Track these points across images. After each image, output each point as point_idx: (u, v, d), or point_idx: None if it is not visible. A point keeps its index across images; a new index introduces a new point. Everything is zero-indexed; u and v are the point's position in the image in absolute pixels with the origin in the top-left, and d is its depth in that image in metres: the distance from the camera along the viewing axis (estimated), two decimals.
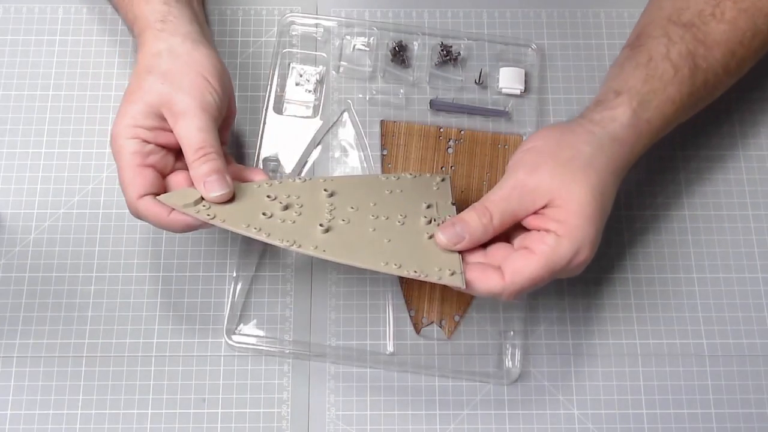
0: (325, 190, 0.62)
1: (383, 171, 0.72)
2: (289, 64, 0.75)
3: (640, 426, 0.66)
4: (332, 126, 0.74)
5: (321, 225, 0.60)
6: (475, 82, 0.75)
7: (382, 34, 0.76)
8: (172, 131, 0.61)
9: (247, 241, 0.70)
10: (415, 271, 0.58)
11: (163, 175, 0.62)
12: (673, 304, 0.69)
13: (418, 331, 0.68)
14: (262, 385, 0.66)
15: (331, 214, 0.61)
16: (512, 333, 0.68)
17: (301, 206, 0.61)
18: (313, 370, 0.67)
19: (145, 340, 0.67)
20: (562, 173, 0.59)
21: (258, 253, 0.70)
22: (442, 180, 0.66)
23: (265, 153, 0.72)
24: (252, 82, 0.75)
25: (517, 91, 0.75)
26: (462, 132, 0.74)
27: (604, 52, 0.77)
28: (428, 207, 0.63)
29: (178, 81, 0.61)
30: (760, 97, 0.76)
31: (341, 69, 0.76)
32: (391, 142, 0.73)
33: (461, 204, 0.71)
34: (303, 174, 0.72)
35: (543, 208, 0.59)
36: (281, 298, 0.69)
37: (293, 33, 0.76)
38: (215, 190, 0.60)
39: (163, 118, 0.61)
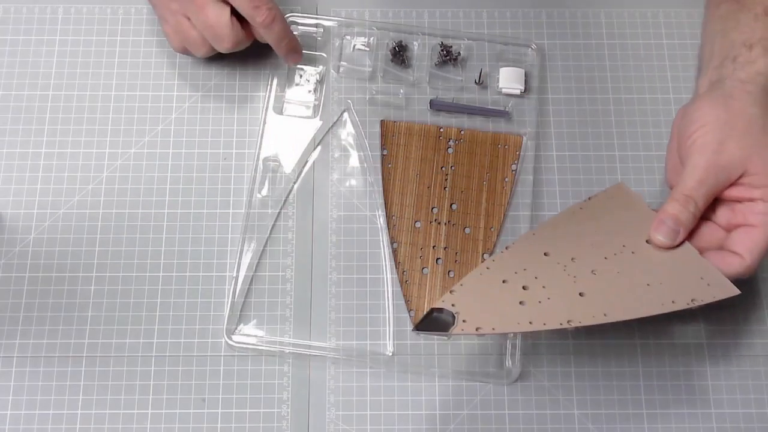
0: (545, 254, 0.62)
1: (383, 171, 0.72)
2: None
3: (640, 426, 0.66)
4: (332, 126, 0.74)
5: (581, 294, 0.59)
6: (475, 82, 0.75)
7: (382, 34, 0.76)
8: None
9: (247, 241, 0.70)
10: (692, 301, 0.59)
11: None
12: None
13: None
14: (262, 385, 0.66)
15: (570, 274, 0.61)
16: (512, 333, 0.68)
17: (536, 278, 0.60)
18: (313, 370, 0.67)
19: (145, 340, 0.67)
20: (749, 142, 0.61)
21: (258, 253, 0.70)
22: (618, 188, 0.67)
23: (265, 153, 0.72)
24: (252, 82, 0.75)
25: (517, 91, 0.75)
26: (462, 132, 0.74)
27: (604, 52, 0.77)
28: (629, 222, 0.64)
29: None
30: None
31: (341, 69, 0.76)
32: (391, 142, 0.73)
33: (461, 204, 0.71)
34: (303, 174, 0.72)
35: (739, 178, 0.61)
36: (281, 298, 0.69)
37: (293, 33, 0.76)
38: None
39: None
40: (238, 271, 0.69)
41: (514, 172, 0.72)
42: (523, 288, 0.60)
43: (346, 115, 0.74)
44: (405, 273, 0.69)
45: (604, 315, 0.58)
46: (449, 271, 0.69)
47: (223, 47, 0.70)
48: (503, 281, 0.60)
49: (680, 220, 0.61)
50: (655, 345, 0.68)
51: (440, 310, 0.58)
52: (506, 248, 0.62)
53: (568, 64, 0.77)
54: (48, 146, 0.73)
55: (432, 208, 0.71)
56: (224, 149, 0.73)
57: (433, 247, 0.70)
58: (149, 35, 0.77)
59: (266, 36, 0.70)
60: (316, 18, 0.77)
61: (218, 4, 0.67)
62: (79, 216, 0.71)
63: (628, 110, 0.75)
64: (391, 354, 0.67)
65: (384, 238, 0.70)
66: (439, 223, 0.71)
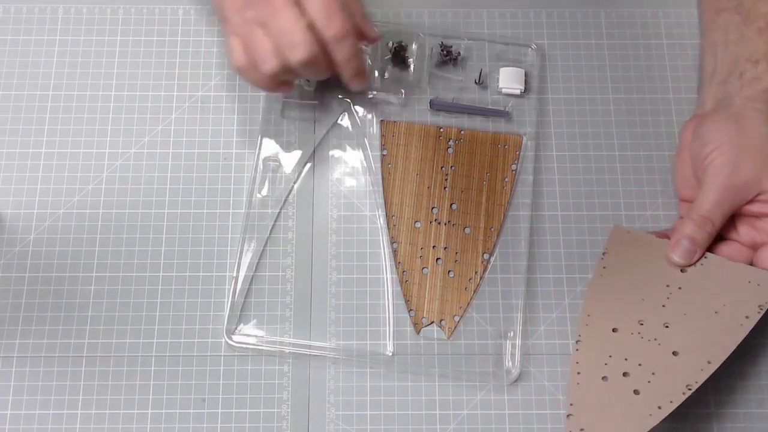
0: (614, 330, 0.62)
1: (383, 171, 0.72)
2: None
3: None
4: (332, 126, 0.74)
5: (675, 353, 0.60)
6: (475, 82, 0.75)
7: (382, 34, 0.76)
8: None
9: (247, 241, 0.70)
10: (759, 308, 0.60)
11: None
12: None
13: (418, 331, 0.68)
14: (262, 385, 0.66)
15: (649, 338, 0.61)
16: (512, 333, 0.68)
17: (626, 359, 0.60)
18: (313, 370, 0.67)
19: (145, 340, 0.67)
20: (763, 162, 0.62)
21: (258, 253, 0.70)
22: (617, 233, 0.67)
23: (265, 153, 0.72)
24: None
25: (517, 91, 0.75)
26: (462, 132, 0.74)
27: (604, 52, 0.77)
28: (653, 261, 0.65)
29: None
30: None
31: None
32: (391, 142, 0.73)
33: (461, 204, 0.71)
34: (303, 174, 0.72)
35: (756, 196, 0.63)
36: (281, 298, 0.69)
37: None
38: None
39: None
40: (238, 271, 0.69)
41: (514, 172, 0.72)
42: (624, 375, 0.60)
43: (346, 115, 0.74)
44: (405, 273, 0.69)
45: (708, 363, 0.59)
46: (449, 271, 0.69)
47: (297, 56, 0.62)
48: (603, 378, 0.60)
49: (696, 241, 0.64)
50: None
51: None
52: (577, 342, 0.62)
53: (568, 64, 0.77)
54: (48, 146, 0.73)
55: (432, 208, 0.71)
56: (224, 149, 0.73)
57: (433, 247, 0.70)
58: (149, 35, 0.77)
59: (335, 52, 0.64)
60: None
61: (295, 10, 0.62)
62: (79, 216, 0.71)
63: (628, 110, 0.75)
64: (391, 354, 0.67)
65: (384, 238, 0.70)
66: (439, 223, 0.71)
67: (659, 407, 0.57)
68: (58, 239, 0.70)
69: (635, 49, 0.77)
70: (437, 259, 0.70)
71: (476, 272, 0.69)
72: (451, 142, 0.73)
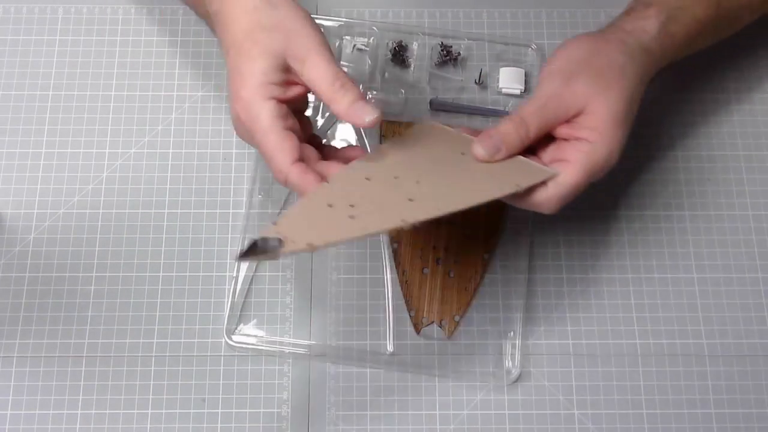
0: (367, 178, 0.58)
1: None
2: None
3: (640, 426, 0.66)
4: (332, 126, 0.74)
5: (410, 200, 0.56)
6: (475, 82, 0.75)
7: (382, 34, 0.76)
8: (299, 82, 0.58)
9: (247, 241, 0.69)
10: (517, 185, 0.58)
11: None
12: (673, 304, 0.69)
13: (418, 331, 0.68)
14: (262, 385, 0.66)
15: (395, 188, 0.58)
16: (512, 333, 0.68)
17: (362, 196, 0.57)
18: (313, 370, 0.67)
19: (145, 340, 0.67)
20: (597, 82, 0.60)
21: None
22: (421, 126, 0.65)
23: None
24: None
25: (517, 91, 0.75)
26: None
27: None
28: (445, 147, 0.63)
29: (289, 27, 0.58)
30: (761, 98, 0.76)
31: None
32: None
33: None
34: None
35: (575, 116, 0.60)
36: (281, 298, 0.69)
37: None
38: (368, 114, 0.57)
39: (288, 70, 0.58)
40: (238, 271, 0.69)
41: None
42: (351, 206, 0.55)
43: None
44: (405, 273, 0.69)
45: (437, 209, 0.56)
46: (449, 272, 0.69)
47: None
48: (329, 205, 0.55)
49: (507, 140, 0.60)
50: (655, 345, 0.68)
51: (264, 239, 0.52)
52: (326, 181, 0.57)
53: None
54: (48, 146, 0.73)
55: None
56: (224, 149, 0.73)
57: (434, 247, 0.70)
58: (149, 35, 0.77)
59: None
60: (316, 18, 0.77)
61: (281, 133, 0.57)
62: (79, 216, 0.71)
63: None
64: (391, 354, 0.67)
65: (384, 239, 0.70)
66: (440, 223, 0.71)
67: (362, 228, 0.54)
68: (58, 239, 0.70)
69: None
70: (437, 259, 0.70)
71: (476, 272, 0.69)
72: None
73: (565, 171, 0.59)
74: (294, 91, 0.58)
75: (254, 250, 0.51)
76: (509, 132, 0.60)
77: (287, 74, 0.58)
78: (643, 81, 0.62)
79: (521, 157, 0.61)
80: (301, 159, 0.57)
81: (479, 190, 0.58)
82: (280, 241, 0.52)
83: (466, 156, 0.61)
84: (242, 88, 0.57)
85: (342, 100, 0.57)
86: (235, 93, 0.57)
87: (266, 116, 0.56)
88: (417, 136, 0.64)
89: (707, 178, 0.73)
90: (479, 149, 0.60)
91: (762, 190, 0.73)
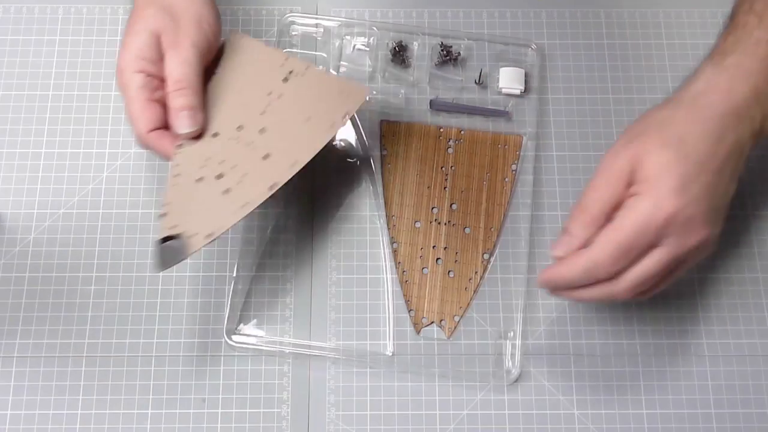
0: (215, 135, 0.63)
1: (383, 171, 0.72)
2: None
3: (640, 426, 0.66)
4: None
5: (266, 156, 0.62)
6: (475, 82, 0.75)
7: (382, 34, 0.76)
8: None
9: (248, 241, 0.70)
10: (345, 116, 0.64)
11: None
12: (673, 304, 0.69)
13: (418, 331, 0.68)
14: (262, 385, 0.66)
15: (245, 143, 0.63)
16: (512, 333, 0.68)
17: (221, 162, 0.62)
18: (313, 370, 0.67)
19: (145, 340, 0.67)
20: (634, 142, 0.56)
21: (258, 253, 0.70)
22: (234, 39, 0.67)
23: None
24: None
25: (517, 91, 0.75)
26: (462, 132, 0.74)
27: (604, 52, 0.77)
28: (263, 69, 0.66)
29: (179, 13, 0.62)
30: None
31: (341, 69, 0.75)
32: (391, 142, 0.73)
33: (461, 204, 0.71)
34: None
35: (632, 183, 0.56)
36: (281, 298, 0.69)
37: (293, 33, 0.76)
38: (184, 126, 0.61)
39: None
40: (238, 271, 0.69)
41: (514, 172, 0.73)
42: (218, 177, 0.61)
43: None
44: (405, 273, 0.69)
45: (296, 163, 0.61)
46: (449, 271, 0.69)
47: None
48: (198, 180, 0.61)
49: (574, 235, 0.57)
50: (655, 345, 0.68)
51: (166, 239, 0.59)
52: (178, 147, 0.61)
53: (568, 64, 0.77)
54: (48, 146, 0.73)
55: (432, 208, 0.71)
56: None
57: (433, 247, 0.70)
58: None
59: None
60: (316, 18, 0.77)
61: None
62: (79, 216, 0.71)
63: (628, 110, 0.75)
64: (391, 354, 0.67)
65: (384, 238, 0.70)
66: (439, 223, 0.71)
67: (245, 204, 0.60)
68: (58, 239, 0.70)
69: (635, 49, 0.77)
70: (437, 259, 0.70)
71: (476, 272, 0.69)
72: (451, 142, 0.73)
73: (604, 231, 0.55)
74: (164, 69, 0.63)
75: (164, 254, 0.59)
76: (574, 228, 0.57)
77: (161, 53, 0.62)
78: (707, 119, 0.56)
79: (325, 74, 0.66)
80: (166, 126, 0.61)
81: (318, 132, 0.63)
82: (179, 239, 0.59)
83: (282, 83, 0.65)
84: (120, 58, 0.62)
85: (172, 101, 0.61)
86: (117, 62, 0.62)
87: (133, 86, 0.61)
88: (231, 55, 0.66)
89: None
90: (557, 253, 0.58)
91: (762, 190, 0.73)
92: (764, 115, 0.57)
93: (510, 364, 0.67)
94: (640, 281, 0.55)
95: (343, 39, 0.76)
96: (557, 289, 0.59)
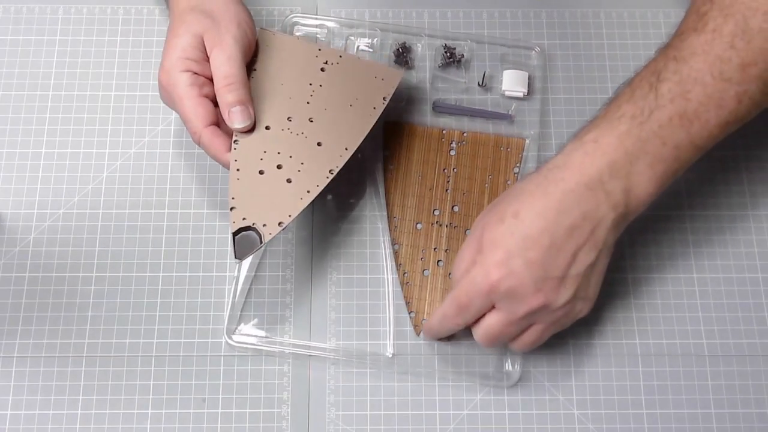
0: (267, 128, 0.65)
1: (385, 172, 0.72)
2: None
3: (640, 426, 0.66)
4: None
5: (319, 144, 0.65)
6: (478, 84, 0.75)
7: (385, 35, 0.76)
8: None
9: None
10: (384, 99, 0.66)
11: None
12: (673, 304, 0.70)
13: (418, 332, 0.68)
14: (262, 385, 0.66)
15: (297, 132, 0.65)
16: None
17: (279, 153, 0.64)
18: (313, 370, 0.67)
19: (145, 340, 0.67)
20: (488, 213, 0.62)
21: (258, 254, 0.70)
22: (261, 35, 0.69)
23: None
24: None
25: (520, 94, 0.75)
26: (465, 134, 0.74)
27: (604, 53, 0.77)
28: (298, 62, 0.68)
29: (216, 16, 0.64)
30: None
31: None
32: (394, 143, 0.73)
33: (462, 206, 0.71)
34: None
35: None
36: (281, 298, 0.69)
37: (296, 33, 0.76)
38: (238, 120, 0.63)
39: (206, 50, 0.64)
40: (238, 271, 0.69)
41: (516, 175, 0.72)
42: (278, 168, 0.64)
43: None
44: (406, 274, 0.69)
45: (346, 149, 0.65)
46: (450, 273, 0.69)
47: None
48: (260, 172, 0.63)
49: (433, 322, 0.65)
50: (655, 345, 0.68)
51: (238, 231, 0.61)
52: (235, 143, 0.64)
53: (569, 64, 0.77)
54: (48, 146, 0.73)
55: (434, 210, 0.71)
56: None
57: (435, 249, 0.70)
58: (149, 35, 0.77)
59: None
60: (320, 19, 0.77)
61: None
62: (79, 216, 0.71)
63: None
64: (391, 355, 0.67)
65: (385, 240, 0.70)
66: (441, 225, 0.71)
67: (308, 191, 0.63)
68: (58, 239, 0.70)
69: (635, 49, 0.77)
70: (438, 261, 0.70)
71: None
72: (453, 144, 0.73)
73: None
74: (209, 68, 0.64)
75: (241, 245, 0.61)
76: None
77: (205, 53, 0.64)
78: (547, 183, 0.59)
79: (359, 60, 0.70)
80: (217, 123, 0.63)
81: (363, 117, 0.66)
82: (255, 229, 0.61)
83: (320, 72, 0.68)
84: (165, 59, 0.63)
85: (223, 97, 0.63)
86: (161, 63, 0.64)
87: (182, 84, 0.62)
88: (266, 51, 0.68)
89: (707, 177, 0.74)
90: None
91: (762, 190, 0.73)
92: (625, 188, 0.58)
93: (510, 364, 0.67)
94: (489, 335, 0.62)
95: (346, 40, 0.76)
96: (434, 336, 0.67)
